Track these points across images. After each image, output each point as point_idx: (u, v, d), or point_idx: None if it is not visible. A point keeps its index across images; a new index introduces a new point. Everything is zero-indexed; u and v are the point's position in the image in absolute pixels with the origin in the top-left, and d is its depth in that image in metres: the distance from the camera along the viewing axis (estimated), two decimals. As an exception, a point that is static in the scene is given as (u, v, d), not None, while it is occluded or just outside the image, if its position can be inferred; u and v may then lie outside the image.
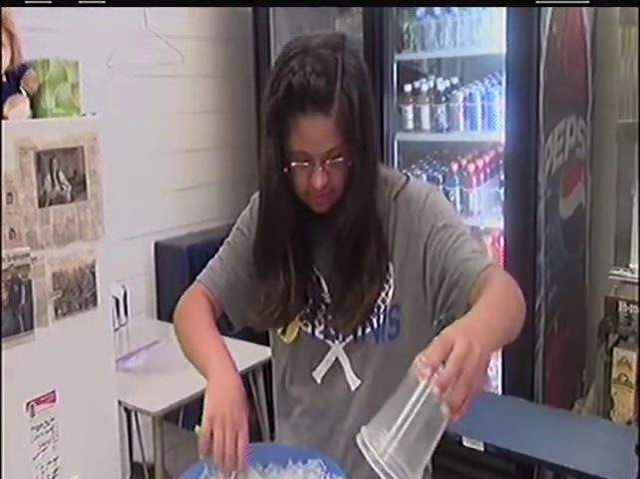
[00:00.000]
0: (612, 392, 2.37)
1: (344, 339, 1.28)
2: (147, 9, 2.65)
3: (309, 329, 1.30)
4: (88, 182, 1.86)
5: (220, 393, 1.12)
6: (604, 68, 2.74)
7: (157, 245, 2.91)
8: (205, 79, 3.11)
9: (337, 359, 1.29)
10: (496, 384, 2.49)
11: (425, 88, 2.71)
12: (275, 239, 1.25)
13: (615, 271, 2.46)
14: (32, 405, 1.78)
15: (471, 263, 1.15)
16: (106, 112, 1.93)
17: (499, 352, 2.32)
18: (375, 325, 1.25)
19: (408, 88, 2.72)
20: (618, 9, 2.45)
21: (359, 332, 1.26)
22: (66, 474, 1.87)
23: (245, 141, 3.18)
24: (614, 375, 2.36)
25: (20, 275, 1.71)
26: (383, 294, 1.24)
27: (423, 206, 1.24)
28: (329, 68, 1.11)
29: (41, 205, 1.76)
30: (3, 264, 1.67)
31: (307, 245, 1.27)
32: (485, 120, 2.59)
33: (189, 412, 2.49)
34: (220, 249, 1.39)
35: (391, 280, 1.25)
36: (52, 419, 1.83)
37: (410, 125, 2.73)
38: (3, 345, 1.68)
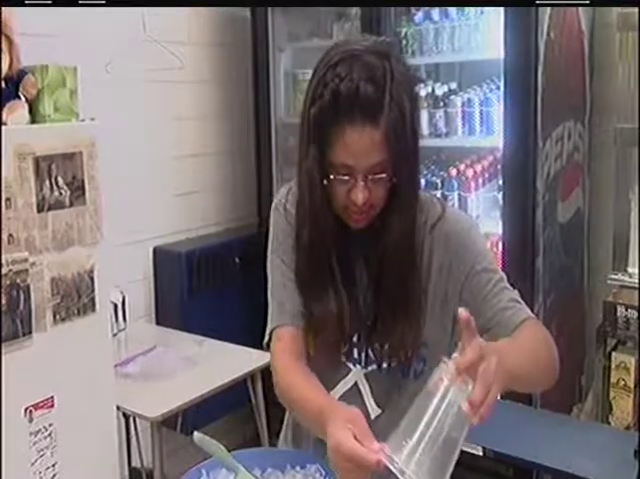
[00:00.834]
0: (611, 397, 2.36)
1: (366, 366, 1.22)
2: (145, 15, 2.66)
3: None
4: (86, 187, 1.86)
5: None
6: (602, 73, 2.75)
7: (155, 251, 2.90)
8: (204, 84, 3.11)
9: (356, 384, 1.24)
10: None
11: (423, 93, 2.71)
12: (321, 255, 1.17)
13: (613, 276, 2.45)
14: (30, 411, 1.77)
15: (508, 314, 1.12)
16: (104, 117, 1.93)
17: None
18: (402, 359, 1.19)
19: (406, 93, 2.72)
20: (616, 14, 2.45)
21: (384, 364, 1.20)
22: (64, 480, 1.87)
23: (244, 146, 3.18)
24: (613, 380, 2.35)
25: (19, 280, 1.71)
26: None
27: (462, 243, 1.18)
28: (377, 75, 1.04)
29: (40, 210, 1.76)
30: (2, 270, 1.67)
31: (350, 264, 1.20)
32: (484, 125, 2.59)
33: (188, 417, 2.50)
34: (270, 281, 1.26)
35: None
36: (50, 425, 1.82)
37: (408, 130, 2.73)
38: (2, 350, 1.68)
